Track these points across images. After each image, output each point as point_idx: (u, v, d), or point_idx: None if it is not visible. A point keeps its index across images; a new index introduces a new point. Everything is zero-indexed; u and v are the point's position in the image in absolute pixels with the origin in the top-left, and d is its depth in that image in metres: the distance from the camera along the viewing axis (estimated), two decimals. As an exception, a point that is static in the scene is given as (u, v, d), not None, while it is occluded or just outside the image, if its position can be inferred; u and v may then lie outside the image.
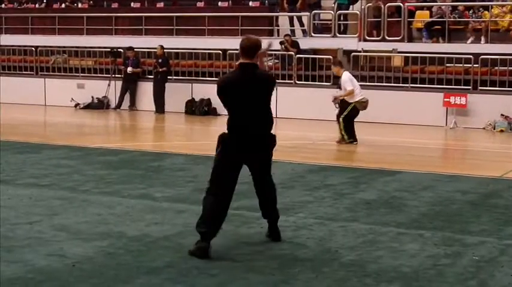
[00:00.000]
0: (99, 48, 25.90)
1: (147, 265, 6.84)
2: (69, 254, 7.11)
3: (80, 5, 28.47)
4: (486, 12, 21.65)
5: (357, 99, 16.40)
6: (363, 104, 16.55)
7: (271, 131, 7.67)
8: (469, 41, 21.58)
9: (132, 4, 27.29)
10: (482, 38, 21.40)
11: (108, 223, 8.51)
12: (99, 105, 24.72)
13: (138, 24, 25.86)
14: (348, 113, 16.38)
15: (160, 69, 23.60)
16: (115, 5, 27.48)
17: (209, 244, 7.17)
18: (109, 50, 25.18)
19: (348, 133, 16.43)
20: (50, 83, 26.24)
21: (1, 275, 6.44)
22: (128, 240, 7.72)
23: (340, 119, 16.46)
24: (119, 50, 25.03)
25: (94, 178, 11.51)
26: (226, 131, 7.44)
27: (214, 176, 7.44)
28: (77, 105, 25.04)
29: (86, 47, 26.18)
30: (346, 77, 16.50)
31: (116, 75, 24.81)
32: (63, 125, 20.68)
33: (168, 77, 23.97)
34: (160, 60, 23.73)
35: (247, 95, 7.38)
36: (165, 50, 23.93)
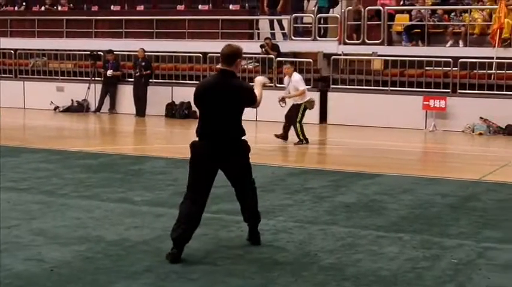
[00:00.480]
0: (78, 51, 25.78)
1: (125, 270, 6.81)
2: (47, 259, 7.07)
3: (59, 8, 28.32)
4: (466, 15, 21.77)
5: (306, 99, 16.67)
6: (312, 104, 17.09)
7: (242, 138, 7.62)
8: (448, 44, 21.69)
9: (112, 7, 27.22)
10: (461, 42, 21.51)
11: (86, 227, 8.47)
12: (78, 108, 24.62)
13: (118, 27, 25.77)
14: (302, 115, 16.65)
15: (144, 72, 23.57)
16: (95, 8, 27.40)
17: (182, 249, 7.17)
18: (89, 53, 25.09)
19: (303, 135, 16.68)
20: (29, 86, 26.10)
21: (-22, 280, 6.41)
22: (106, 244, 7.69)
23: (297, 124, 16.66)
24: (98, 53, 24.95)
25: (73, 181, 11.46)
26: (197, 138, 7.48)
27: (190, 182, 7.51)
28: (56, 108, 24.93)
29: (65, 50, 26.06)
30: (298, 77, 16.87)
31: (96, 79, 24.72)
32: (43, 128, 20.57)
33: (149, 80, 23.93)
34: (143, 63, 23.69)
35: (218, 102, 7.41)
36: (145, 53, 23.88)
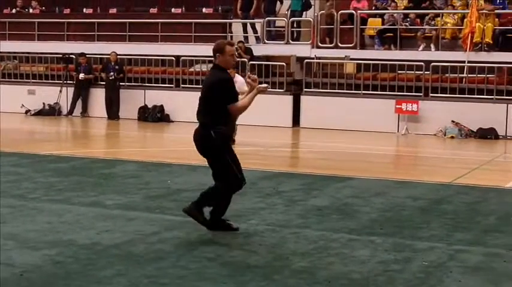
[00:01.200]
0: (50, 54, 25.65)
1: (96, 274, 6.76)
2: (18, 263, 7.01)
3: (31, 11, 28.16)
4: (438, 19, 21.92)
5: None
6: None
7: (209, 132, 8.11)
8: (421, 48, 21.83)
9: (84, 10, 27.09)
10: (432, 46, 21.65)
11: (57, 231, 8.40)
12: (50, 111, 24.49)
13: (90, 31, 25.68)
14: None
15: (117, 76, 23.50)
16: (67, 11, 27.26)
17: None
18: (61, 56, 24.96)
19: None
20: (1, 89, 25.87)
21: None
22: (77, 248, 7.63)
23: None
24: (70, 56, 24.82)
25: (44, 185, 11.38)
26: None
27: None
28: (27, 111, 24.78)
29: (37, 53, 25.91)
30: (242, 78, 16.79)
31: (68, 82, 24.59)
32: (14, 131, 20.39)
33: (121, 83, 23.85)
34: (116, 67, 23.62)
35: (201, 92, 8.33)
36: (118, 57, 23.81)
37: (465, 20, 21.10)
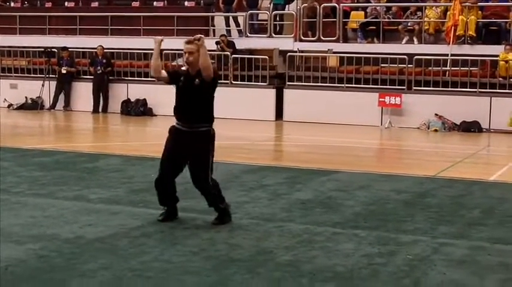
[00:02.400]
0: (32, 48, 25.50)
1: (80, 268, 6.74)
2: (1, 257, 6.97)
3: (12, 4, 27.99)
4: (420, 13, 21.96)
5: None
6: None
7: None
8: (404, 41, 21.86)
9: (66, 3, 26.91)
10: (415, 39, 21.69)
11: (41, 225, 8.37)
12: (33, 105, 24.36)
13: (72, 24, 25.56)
14: None
15: (105, 70, 23.45)
16: (49, 4, 27.07)
17: None
18: (43, 49, 24.82)
19: None
20: (-17, 84, 25.78)
21: None
22: (61, 242, 7.61)
23: None
24: (52, 50, 24.69)
25: (28, 179, 11.33)
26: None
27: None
28: (10, 105, 24.64)
29: (19, 47, 25.76)
30: None
31: (50, 76, 24.46)
32: (-4, 126, 20.31)
33: (110, 77, 23.80)
34: (104, 61, 23.55)
35: None
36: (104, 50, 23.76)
37: (448, 13, 21.14)
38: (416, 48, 21.42)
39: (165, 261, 7.03)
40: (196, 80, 8.32)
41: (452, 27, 20.66)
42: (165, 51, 23.12)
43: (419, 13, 21.98)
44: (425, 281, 6.61)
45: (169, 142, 8.48)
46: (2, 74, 25.79)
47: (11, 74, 25.64)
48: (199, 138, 8.38)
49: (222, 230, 8.28)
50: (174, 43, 23.44)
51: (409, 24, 22.04)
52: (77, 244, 7.56)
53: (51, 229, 8.20)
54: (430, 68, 20.75)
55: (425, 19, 21.71)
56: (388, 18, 22.41)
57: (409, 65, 20.81)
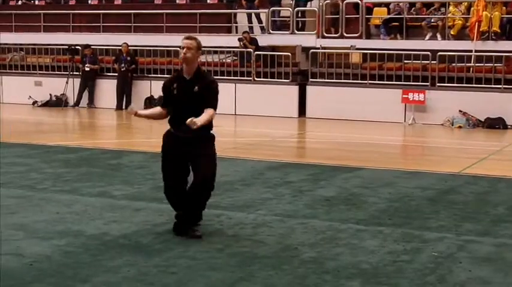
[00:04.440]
0: (56, 45, 25.63)
1: (105, 264, 6.78)
2: (27, 253, 7.02)
3: (37, 2, 28.16)
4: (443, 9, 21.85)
5: None
6: None
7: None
8: (427, 37, 21.75)
9: (89, 1, 27.09)
10: (439, 35, 21.57)
11: (66, 221, 8.42)
12: (57, 103, 24.50)
13: (96, 22, 25.66)
14: None
15: (129, 67, 23.53)
16: (72, 2, 27.28)
17: None
18: (67, 47, 24.95)
19: None
20: (7, 81, 25.96)
21: (-43, 276, 6.36)
22: (86, 238, 7.65)
23: None
24: (76, 47, 24.81)
25: (52, 176, 11.40)
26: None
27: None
28: (34, 103, 24.80)
29: (43, 45, 25.90)
30: None
31: (74, 73, 24.59)
32: (21, 123, 20.43)
33: (134, 75, 23.88)
34: (128, 58, 23.63)
35: None
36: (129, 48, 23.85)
37: (472, 9, 21.01)
38: (440, 44, 21.30)
39: (189, 257, 7.04)
40: (196, 87, 7.70)
41: (476, 23, 20.52)
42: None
43: (442, 9, 21.85)
44: (450, 278, 6.58)
45: (168, 150, 7.93)
46: (26, 72, 25.97)
47: (36, 72, 25.80)
48: (202, 139, 7.74)
49: (246, 226, 8.29)
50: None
51: (432, 20, 21.92)
52: (102, 240, 7.59)
53: (76, 225, 8.25)
54: (454, 64, 20.62)
55: (449, 15, 21.58)
56: (412, 14, 22.31)
57: (432, 62, 20.70)
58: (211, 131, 7.85)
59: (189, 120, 7.33)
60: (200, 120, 7.41)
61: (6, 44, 26.51)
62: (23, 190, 10.19)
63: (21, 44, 26.43)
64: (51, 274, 6.46)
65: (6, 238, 7.59)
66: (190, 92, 7.73)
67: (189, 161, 7.79)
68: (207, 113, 7.57)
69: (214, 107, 7.69)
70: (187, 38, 7.84)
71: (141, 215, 8.79)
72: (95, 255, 7.05)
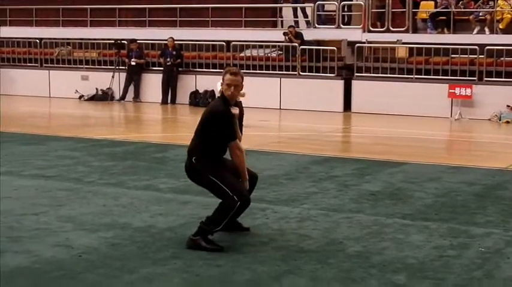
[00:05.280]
0: (102, 40, 25.87)
1: (152, 256, 6.84)
2: (75, 245, 7.12)
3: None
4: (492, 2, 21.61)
5: None
6: None
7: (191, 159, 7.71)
8: (475, 31, 21.53)
9: (135, -4, 27.26)
10: (487, 29, 21.34)
11: (113, 214, 8.51)
12: (103, 97, 24.74)
13: (142, 16, 25.84)
14: None
15: (174, 62, 23.67)
16: (119, -3, 27.48)
17: None
18: (113, 41, 25.16)
19: None
20: (55, 75, 26.27)
21: (8, 265, 6.46)
22: (133, 231, 7.73)
23: None
24: (122, 41, 25.01)
25: (99, 169, 11.51)
26: None
27: None
28: (81, 97, 25.07)
29: (89, 39, 26.16)
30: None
31: (120, 67, 24.79)
32: (68, 116, 20.69)
33: (179, 69, 24.03)
34: (174, 52, 23.77)
35: None
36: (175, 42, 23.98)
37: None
38: (488, 38, 21.08)
39: (235, 250, 7.08)
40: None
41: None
42: (233, 43, 23.24)
43: (491, 3, 21.61)
44: (498, 273, 6.52)
45: (222, 166, 7.42)
46: (73, 66, 26.25)
47: (82, 66, 26.07)
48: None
49: (291, 220, 8.30)
50: (242, 34, 23.71)
51: (480, 14, 21.69)
52: (149, 233, 7.66)
53: (122, 217, 8.33)
54: (502, 59, 20.40)
55: (498, 8, 21.33)
56: (459, 8, 22.09)
57: (480, 56, 20.49)
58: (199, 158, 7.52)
59: None
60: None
61: (54, 38, 26.82)
62: (70, 183, 10.32)
63: (68, 39, 26.71)
64: (99, 265, 6.54)
65: (56, 230, 7.70)
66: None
67: None
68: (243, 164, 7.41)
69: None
70: (234, 74, 7.25)
71: (187, 208, 8.84)
72: (141, 247, 7.12)
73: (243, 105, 7.68)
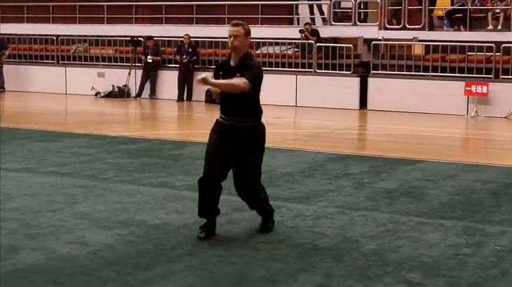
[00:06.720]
0: (119, 37, 25.93)
1: (167, 253, 6.86)
2: (91, 242, 7.15)
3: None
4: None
5: None
6: None
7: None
8: (489, 27, 21.41)
9: (152, -7, 27.29)
10: (500, 26, 21.23)
11: (128, 211, 8.53)
12: (119, 94, 24.78)
13: (158, 13, 25.88)
14: None
15: (190, 59, 23.71)
16: (135, -6, 27.53)
17: None
18: (129, 39, 25.22)
19: None
20: (71, 72, 26.36)
21: (25, 262, 6.49)
22: (148, 228, 7.75)
23: None
24: (138, 39, 25.07)
25: (114, 166, 11.54)
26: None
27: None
28: (97, 94, 25.13)
29: (106, 36, 26.23)
30: None
31: (136, 64, 24.84)
32: (84, 113, 20.75)
33: (195, 66, 24.04)
34: (190, 49, 23.79)
35: None
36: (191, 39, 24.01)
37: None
38: (504, 35, 20.98)
39: (250, 248, 7.09)
40: (238, 73, 7.19)
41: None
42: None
43: (507, 0, 21.52)
44: (513, 272, 6.51)
45: (213, 138, 7.51)
46: (90, 63, 26.33)
47: (99, 63, 26.14)
48: (245, 133, 7.35)
49: (306, 218, 8.30)
50: (259, 32, 23.68)
51: (496, 11, 21.59)
52: (164, 230, 7.68)
53: (138, 215, 8.35)
54: (518, 56, 20.31)
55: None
56: (475, 5, 22.01)
57: (496, 53, 20.40)
58: (260, 120, 7.45)
59: (198, 77, 7.03)
60: (209, 76, 7.05)
61: (70, 35, 26.92)
62: (86, 180, 10.35)
63: (84, 36, 26.80)
64: (115, 263, 6.56)
65: (71, 227, 7.73)
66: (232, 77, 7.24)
67: (231, 158, 7.45)
68: (231, 79, 7.18)
69: (248, 80, 7.10)
70: (235, 25, 7.47)
71: (203, 205, 8.84)
72: (156, 245, 7.14)
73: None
